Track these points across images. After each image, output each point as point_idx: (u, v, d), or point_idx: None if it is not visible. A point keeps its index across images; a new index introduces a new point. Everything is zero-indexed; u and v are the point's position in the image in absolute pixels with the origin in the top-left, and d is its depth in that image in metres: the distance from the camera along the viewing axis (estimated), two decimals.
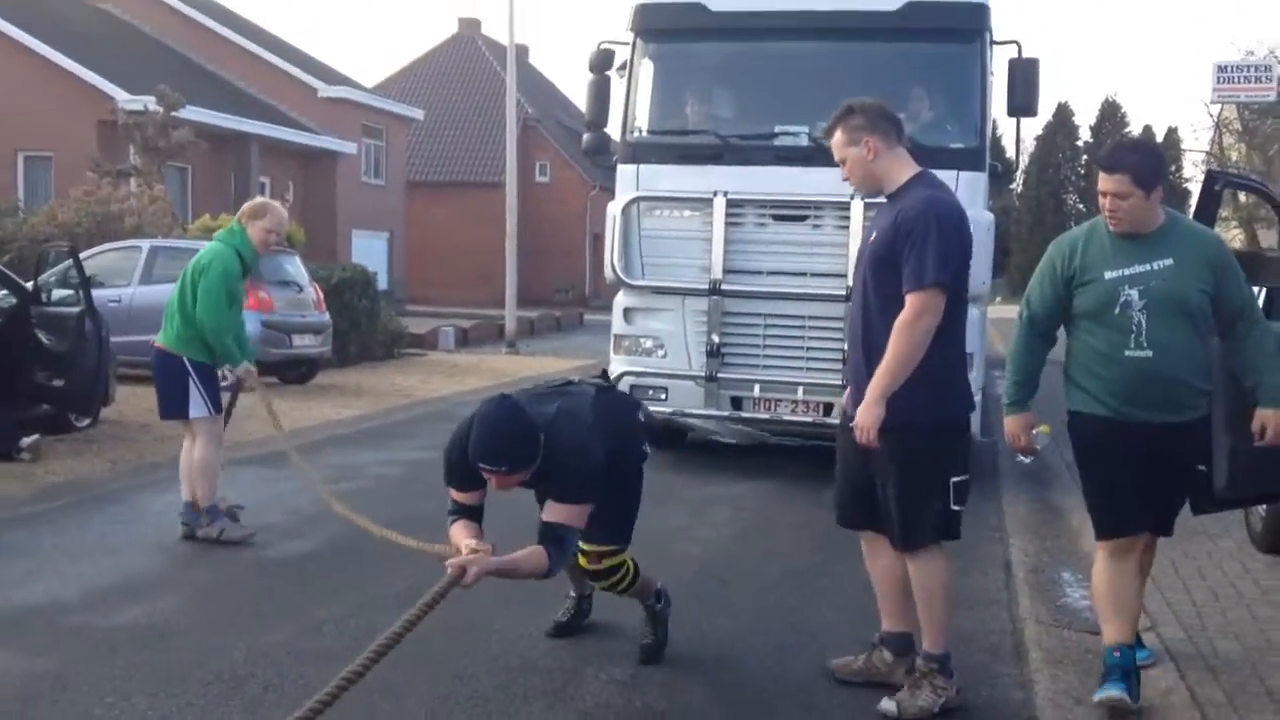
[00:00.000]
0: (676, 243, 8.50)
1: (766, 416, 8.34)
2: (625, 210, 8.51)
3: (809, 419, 8.24)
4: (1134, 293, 4.07)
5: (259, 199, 6.71)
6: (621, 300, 8.74)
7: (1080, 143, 63.56)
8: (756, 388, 8.30)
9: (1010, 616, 5.36)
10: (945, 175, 7.68)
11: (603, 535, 4.31)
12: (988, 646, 4.89)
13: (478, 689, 4.19)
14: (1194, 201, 7.08)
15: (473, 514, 4.15)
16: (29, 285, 9.17)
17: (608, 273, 8.73)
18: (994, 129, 9.12)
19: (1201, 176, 6.65)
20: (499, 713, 3.99)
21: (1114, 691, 4.01)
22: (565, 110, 44.48)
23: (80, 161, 20.21)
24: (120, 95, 21.89)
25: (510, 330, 21.10)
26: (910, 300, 3.95)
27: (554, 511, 4.00)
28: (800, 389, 8.22)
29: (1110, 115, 62.33)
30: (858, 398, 4.08)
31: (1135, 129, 60.38)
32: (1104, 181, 4.12)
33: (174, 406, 6.34)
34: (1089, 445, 4.22)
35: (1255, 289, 7.18)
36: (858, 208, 7.83)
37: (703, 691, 4.28)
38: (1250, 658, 4.66)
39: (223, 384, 6.50)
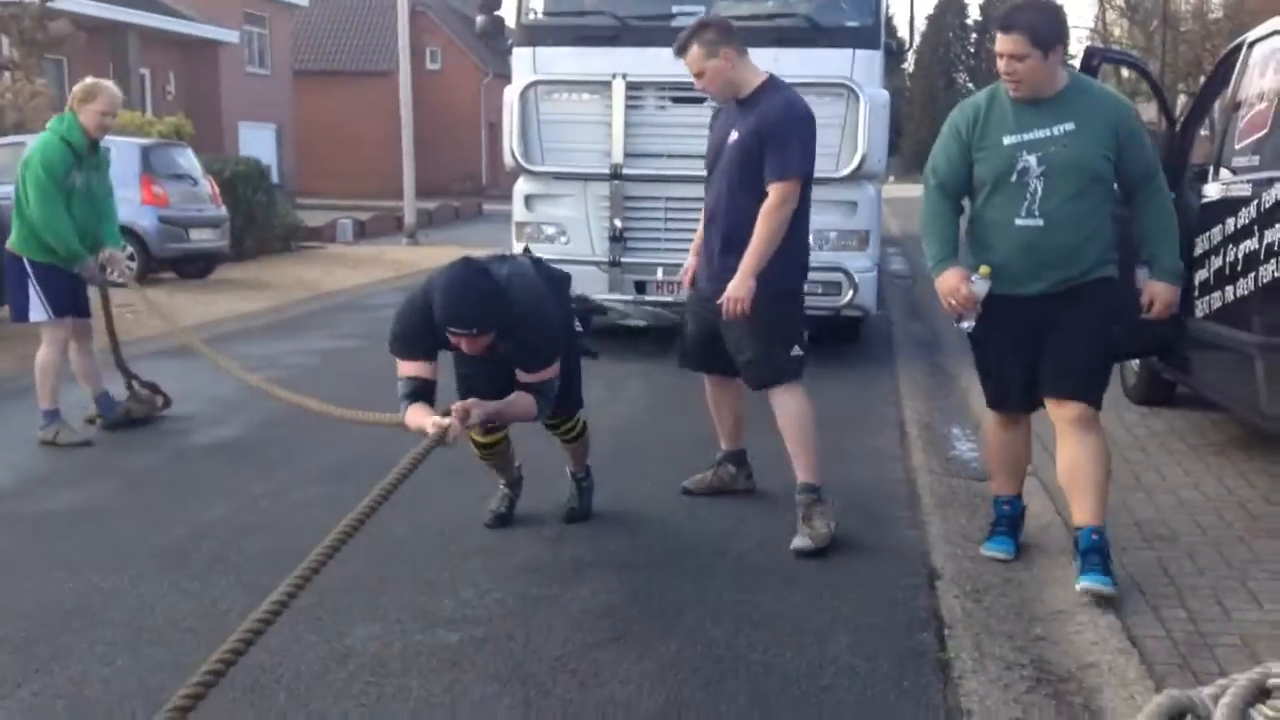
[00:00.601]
0: (576, 127, 8.44)
1: (670, 299, 8.31)
2: (523, 95, 8.41)
3: None
4: (1032, 159, 3.99)
5: (89, 80, 6.31)
6: (522, 187, 8.69)
7: (970, 21, 64.20)
8: (660, 270, 8.35)
9: (904, 468, 5.76)
10: (841, 54, 8.06)
11: (562, 410, 4.51)
12: (883, 495, 5.28)
13: (415, 550, 4.44)
14: None
15: (426, 392, 4.08)
16: None
17: (507, 159, 8.68)
18: (887, 7, 9.03)
19: (1082, 53, 6.91)
20: (437, 568, 4.24)
21: (994, 550, 4.42)
22: None
23: None
24: None
25: (409, 222, 21.01)
26: (775, 189, 4.49)
27: (527, 376, 4.12)
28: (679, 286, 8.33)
29: None
30: (713, 272, 4.72)
31: None
32: (1000, 42, 4.00)
33: (19, 310, 6.17)
34: (979, 319, 4.17)
35: None
36: None
37: (623, 543, 4.59)
38: (1121, 496, 5.12)
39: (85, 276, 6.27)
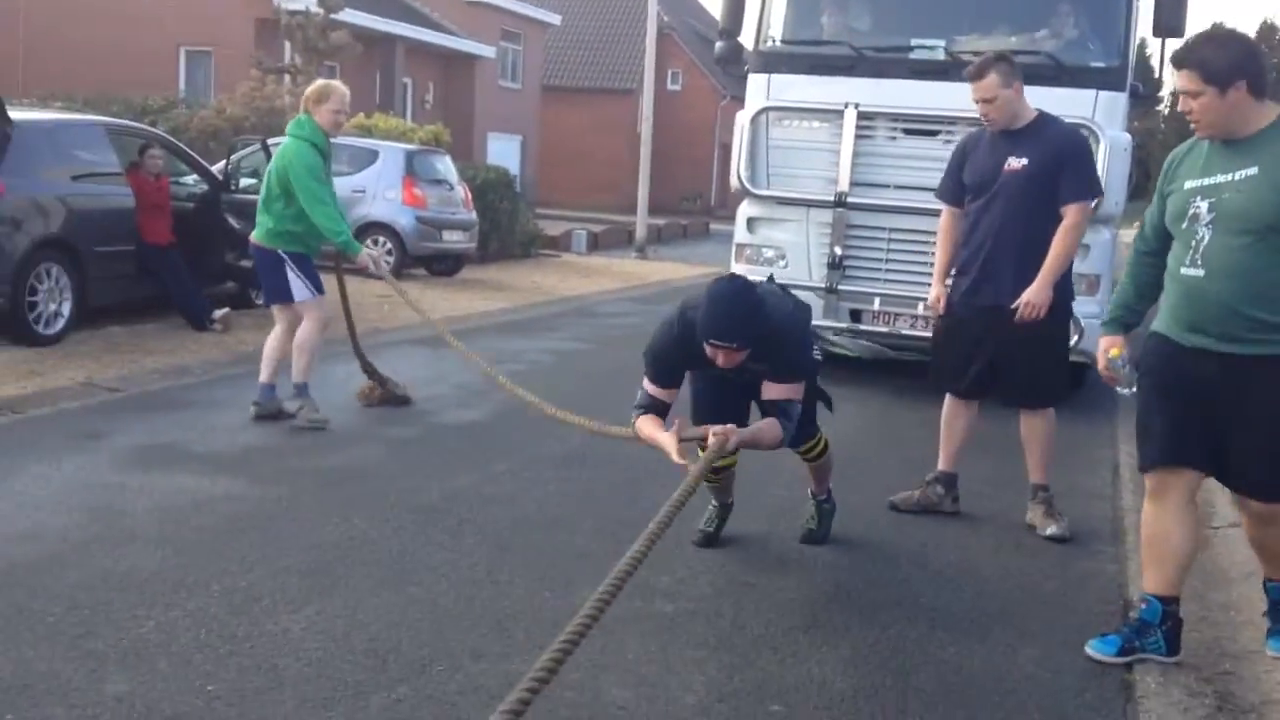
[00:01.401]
0: (804, 154, 8.50)
1: (885, 330, 8.35)
2: (754, 120, 8.52)
3: (927, 334, 8.05)
4: (1204, 204, 3.69)
5: (319, 81, 6.69)
6: (745, 209, 8.78)
7: None
8: (876, 301, 8.35)
9: (1112, 507, 5.86)
10: (1084, 94, 7.99)
11: (804, 436, 4.62)
12: (1090, 530, 5.41)
13: (637, 531, 4.86)
14: None
15: (660, 410, 4.22)
16: (219, 174, 10.07)
17: (733, 182, 8.79)
18: (1143, 48, 8.99)
19: None
20: (657, 550, 4.64)
21: (1096, 652, 3.87)
22: (699, 18, 44.44)
23: (238, 58, 21.25)
24: None
25: (640, 236, 21.74)
26: (1075, 210, 5.12)
27: (775, 390, 4.20)
28: (921, 304, 8.11)
29: (1268, 37, 59.54)
30: (1001, 288, 5.16)
31: None
32: (1177, 79, 3.73)
33: (276, 293, 6.51)
34: (1146, 364, 3.90)
35: None
36: None
37: (828, 546, 4.89)
38: None
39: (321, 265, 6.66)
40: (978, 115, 7.97)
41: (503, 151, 31.65)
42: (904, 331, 8.33)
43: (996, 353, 5.24)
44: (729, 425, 4.03)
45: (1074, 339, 7.67)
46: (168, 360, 8.11)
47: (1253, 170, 3.60)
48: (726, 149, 40.72)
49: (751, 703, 3.39)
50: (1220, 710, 3.52)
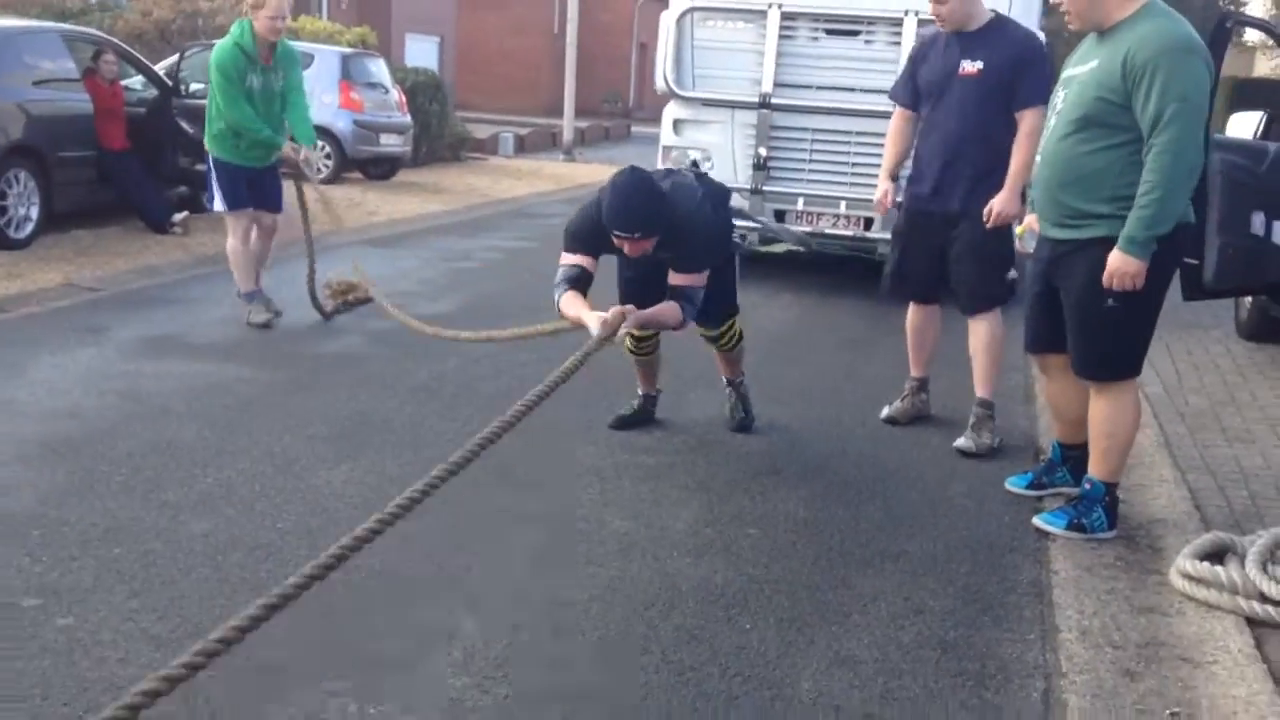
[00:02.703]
0: (728, 55, 8.57)
1: (809, 229, 8.41)
2: (679, 21, 8.60)
3: (850, 233, 8.46)
4: (1060, 94, 4.03)
5: None
6: (671, 111, 8.84)
7: None
8: (800, 201, 8.52)
9: (1024, 378, 6.61)
10: None
11: (715, 319, 4.88)
12: (1006, 391, 6.14)
13: (616, 404, 5.45)
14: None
15: (583, 281, 4.41)
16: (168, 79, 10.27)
17: (658, 83, 8.87)
18: None
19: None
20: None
21: (1013, 484, 4.60)
22: None
23: None
24: None
25: (567, 139, 22.05)
26: (1032, 114, 4.94)
27: (677, 279, 4.44)
28: (843, 203, 8.42)
29: None
30: (960, 194, 5.10)
31: None
32: None
33: (210, 200, 6.84)
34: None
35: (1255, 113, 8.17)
36: (910, 24, 8.06)
37: (778, 408, 5.55)
38: (1213, 408, 5.91)
39: (282, 172, 6.84)
40: (895, 15, 8.28)
41: (421, 53, 31.42)
42: (827, 230, 8.51)
43: (947, 257, 5.24)
44: (626, 306, 4.19)
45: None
46: (136, 262, 8.46)
47: (1093, 64, 3.88)
48: (645, 49, 40.65)
49: (733, 528, 4.05)
50: (1122, 559, 4.21)
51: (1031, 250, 4.41)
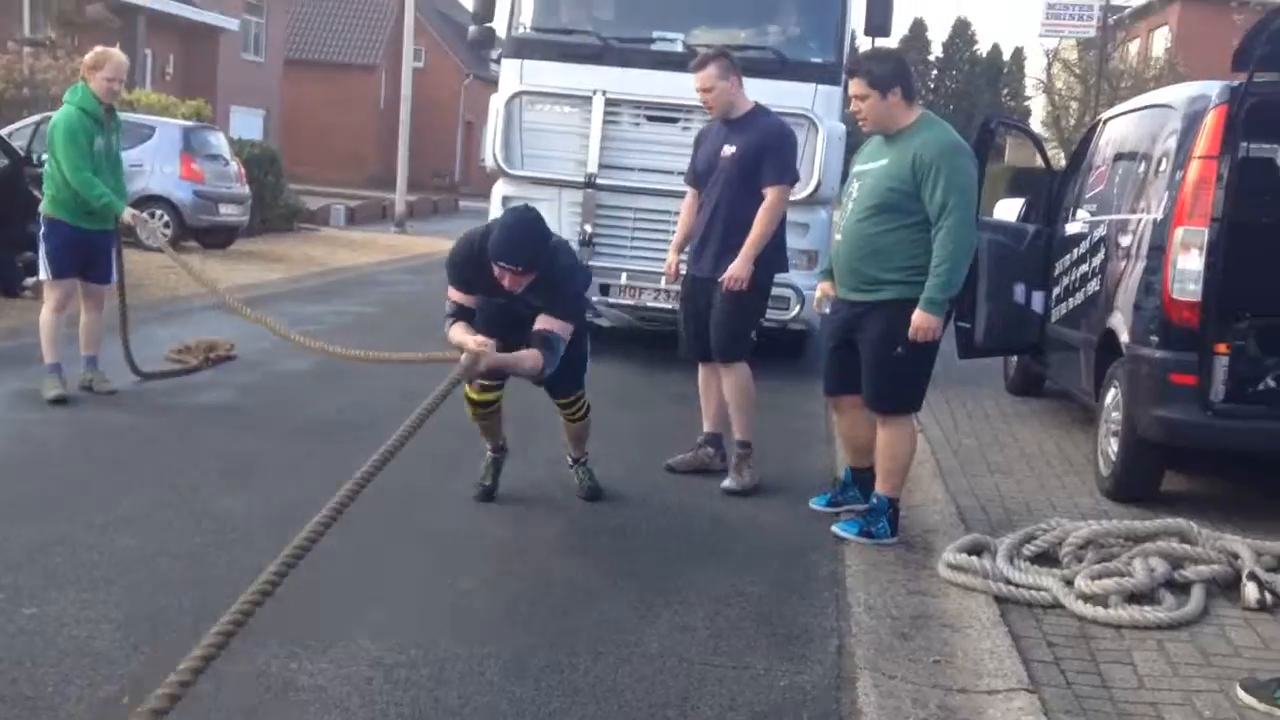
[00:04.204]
0: (556, 137, 8.89)
1: (631, 303, 8.84)
2: (508, 103, 8.88)
3: (669, 306, 8.52)
4: (855, 185, 4.98)
5: (97, 49, 6.66)
6: (501, 188, 9.01)
7: (932, 58, 66.39)
8: (624, 276, 8.84)
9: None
10: (804, 87, 8.94)
11: (574, 385, 5.16)
12: (810, 431, 7.10)
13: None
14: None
15: (467, 315, 4.68)
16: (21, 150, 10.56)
17: (488, 162, 9.10)
18: (853, 45, 9.66)
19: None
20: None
21: (815, 503, 5.47)
22: None
23: None
24: None
25: (400, 211, 22.67)
26: (773, 192, 5.70)
27: (547, 322, 4.64)
28: (664, 279, 8.59)
29: (961, 33, 65.17)
30: (707, 260, 5.78)
31: (984, 48, 63.61)
32: (851, 86, 4.92)
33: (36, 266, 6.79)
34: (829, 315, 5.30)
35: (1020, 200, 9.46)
36: None
37: (630, 459, 6.34)
38: (981, 447, 6.99)
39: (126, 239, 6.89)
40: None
41: (247, 125, 31.55)
42: (649, 304, 8.90)
43: (713, 311, 5.79)
44: (483, 348, 4.39)
45: (795, 309, 8.61)
46: None
47: (884, 161, 4.85)
48: (471, 127, 41.47)
49: (589, 536, 4.81)
50: (901, 559, 5.10)
51: (828, 312, 5.37)
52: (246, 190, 15.88)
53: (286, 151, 36.60)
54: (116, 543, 4.28)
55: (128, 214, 6.60)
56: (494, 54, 10.00)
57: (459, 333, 4.61)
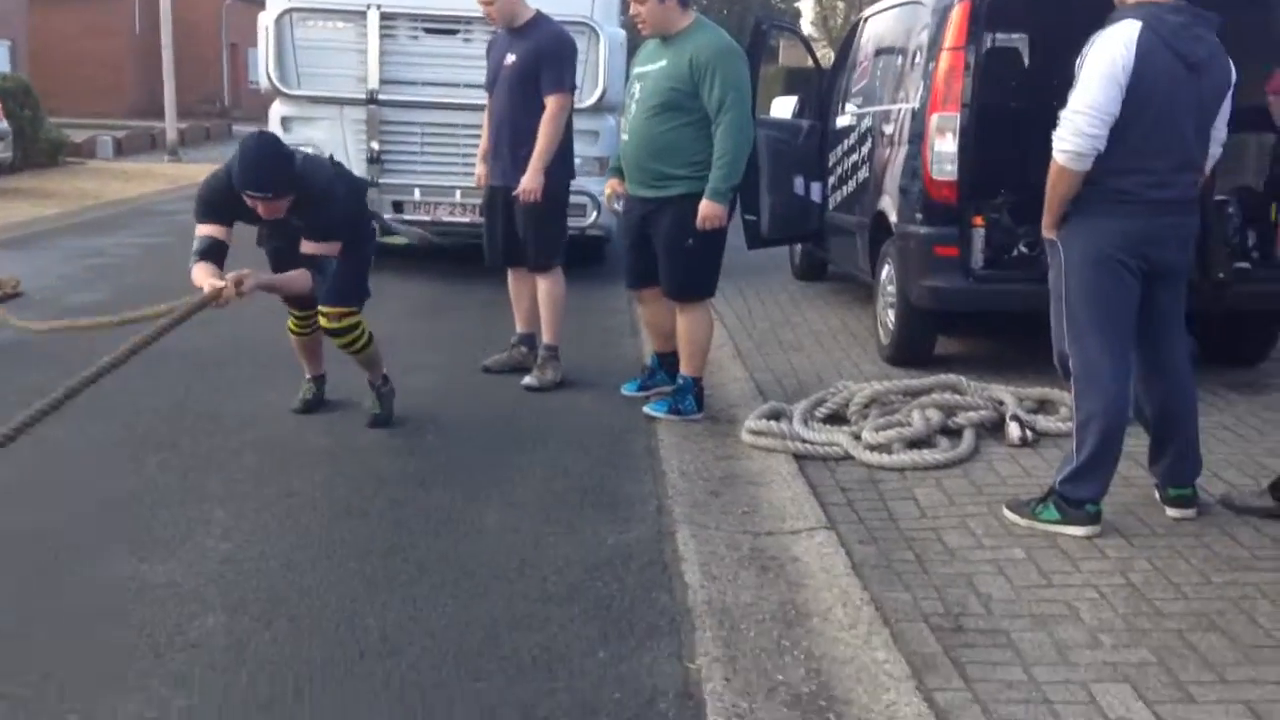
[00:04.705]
0: (332, 54, 8.74)
1: (427, 219, 8.68)
2: (278, 21, 8.68)
3: (467, 220, 8.67)
4: (637, 86, 5.24)
5: None
6: (278, 109, 8.88)
7: None
8: (416, 191, 8.85)
9: (630, 319, 7.93)
10: None
11: (340, 297, 4.89)
12: (617, 327, 7.44)
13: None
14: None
15: (217, 252, 4.47)
16: None
17: (262, 82, 9.02)
18: None
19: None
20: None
21: (627, 389, 5.80)
22: None
23: None
24: None
25: (171, 139, 21.74)
26: (552, 101, 5.77)
27: (309, 247, 4.56)
28: (458, 192, 8.76)
29: None
30: (504, 168, 5.89)
31: None
32: None
33: None
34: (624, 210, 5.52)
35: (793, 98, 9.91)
36: None
37: (446, 364, 6.54)
38: (773, 329, 7.48)
39: None
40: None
41: None
42: (444, 219, 8.86)
43: (512, 225, 5.96)
44: (244, 270, 4.27)
45: (593, 216, 8.73)
46: None
47: (662, 63, 5.12)
48: (236, 49, 39.75)
49: (415, 436, 5.04)
50: (707, 430, 5.50)
51: (619, 208, 5.63)
52: (5, 125, 15.00)
53: (38, 84, 34.39)
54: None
55: None
56: None
57: (201, 274, 4.35)
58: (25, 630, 3.18)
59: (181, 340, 5.70)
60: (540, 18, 6.01)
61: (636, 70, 5.32)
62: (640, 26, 5.22)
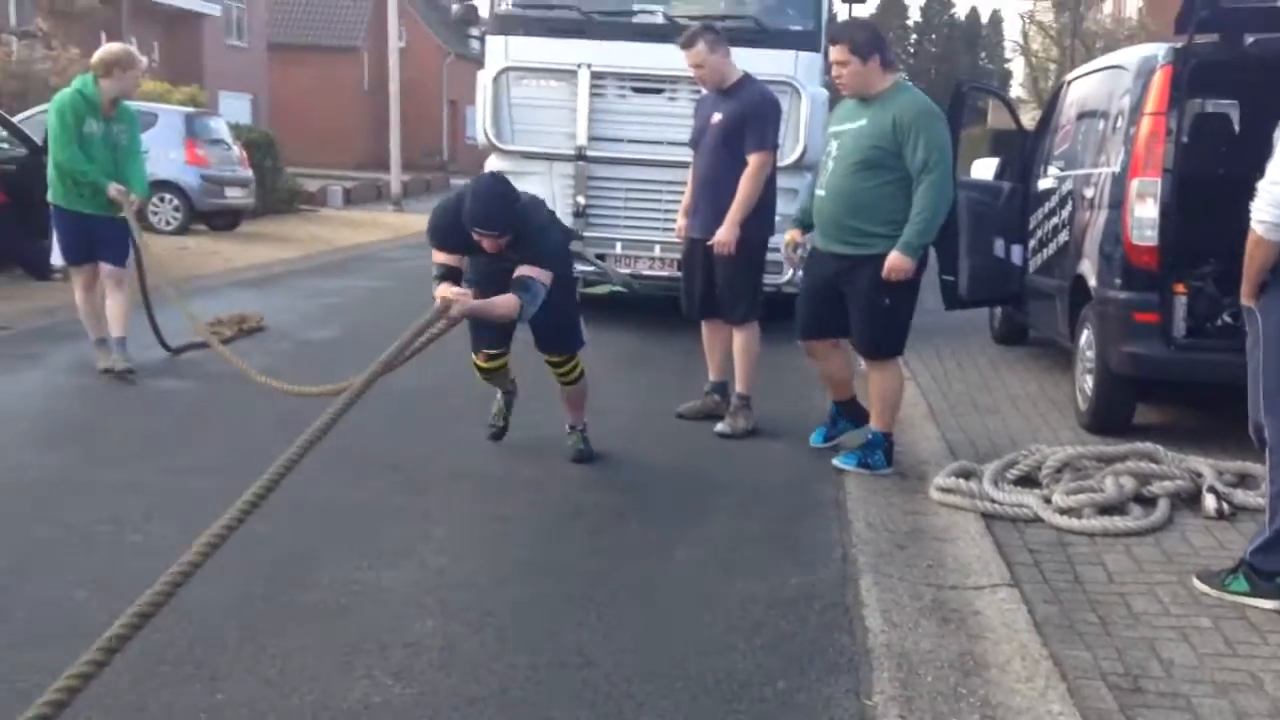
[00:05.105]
0: (544, 111, 9.08)
1: (628, 272, 9.03)
2: (496, 79, 9.07)
3: (666, 273, 8.92)
4: (834, 145, 5.33)
5: (116, 46, 6.99)
6: (493, 163, 9.05)
7: (910, 22, 66.81)
8: (618, 245, 9.11)
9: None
10: (785, 55, 9.09)
11: (563, 345, 5.31)
12: (812, 380, 7.59)
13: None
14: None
15: (454, 277, 4.92)
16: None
17: (479, 138, 9.32)
18: (831, 12, 9.83)
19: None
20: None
21: (814, 441, 5.89)
22: None
23: None
24: None
25: (395, 190, 23.09)
26: (754, 159, 6.03)
27: (524, 269, 4.81)
28: (658, 247, 9.03)
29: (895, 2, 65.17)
30: (702, 222, 6.15)
31: (961, 12, 64.03)
32: (833, 52, 5.31)
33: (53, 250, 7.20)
34: (806, 264, 5.70)
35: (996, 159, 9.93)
36: None
37: (649, 404, 6.85)
38: (969, 391, 7.51)
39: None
40: (694, 76, 8.74)
41: (235, 110, 31.78)
42: (644, 272, 9.11)
43: (710, 277, 6.19)
44: (458, 294, 4.66)
45: (789, 274, 8.56)
46: (32, 304, 9.23)
47: (863, 122, 5.25)
48: (455, 106, 41.59)
49: (619, 471, 5.32)
50: (896, 485, 5.61)
51: (796, 256, 5.83)
52: (250, 174, 16.30)
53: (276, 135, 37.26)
54: (196, 484, 4.78)
55: (112, 188, 6.67)
56: (478, 31, 10.09)
57: (442, 290, 4.84)
58: (267, 623, 3.58)
59: (402, 379, 6.22)
60: (747, 79, 6.24)
61: (833, 129, 5.47)
62: (841, 87, 5.37)
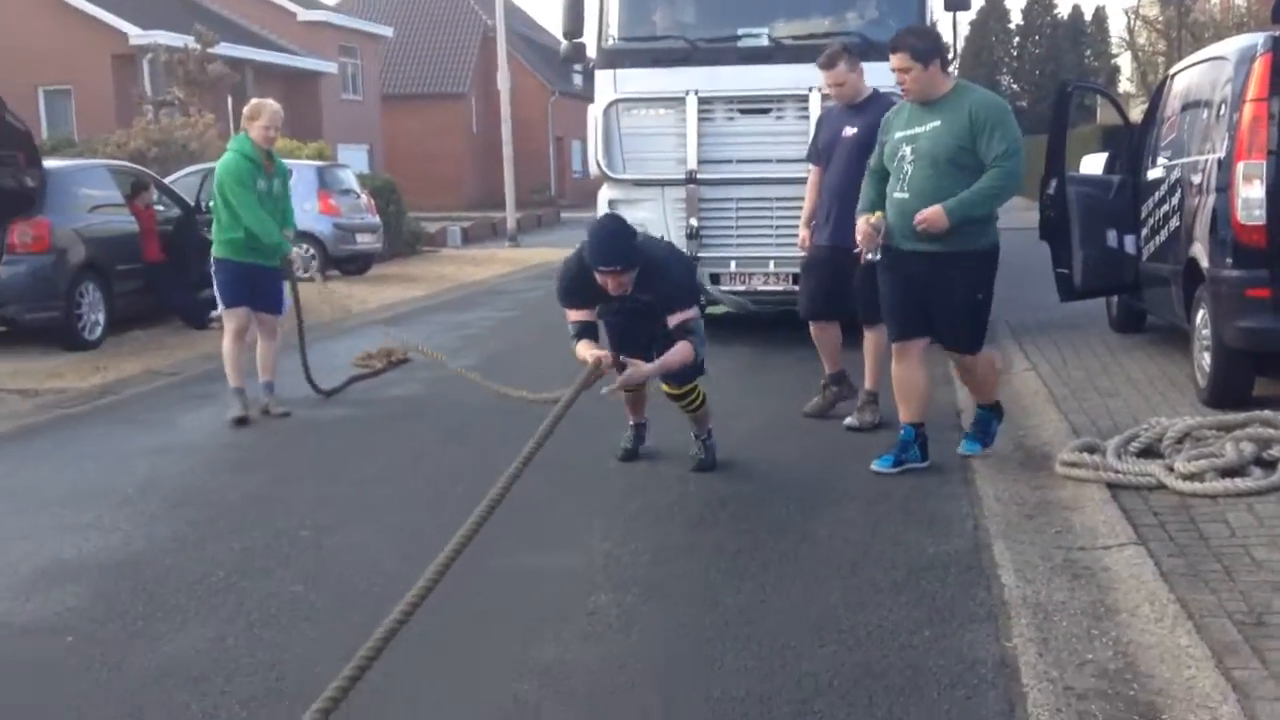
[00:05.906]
0: (654, 139, 9.33)
1: (743, 289, 9.27)
2: (606, 112, 9.31)
3: (779, 288, 9.11)
4: (908, 149, 5.35)
5: (254, 100, 7.25)
6: (606, 193, 9.43)
7: (1012, 25, 65.95)
8: (732, 264, 9.28)
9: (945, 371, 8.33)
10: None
11: (683, 374, 5.37)
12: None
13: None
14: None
15: (591, 332, 5.18)
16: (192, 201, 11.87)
17: (592, 169, 9.87)
18: (932, 19, 9.74)
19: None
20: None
21: (879, 467, 5.54)
22: (518, 17, 46.36)
23: (98, 94, 22.52)
24: (131, 30, 24.27)
25: (511, 227, 23.88)
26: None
27: (675, 318, 5.08)
28: (771, 263, 9.19)
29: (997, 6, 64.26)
30: (835, 233, 6.40)
31: (1064, 11, 63.08)
32: (893, 60, 5.33)
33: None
34: (881, 268, 5.52)
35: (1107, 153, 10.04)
36: (815, 99, 8.78)
37: (770, 420, 7.22)
38: (1089, 377, 7.70)
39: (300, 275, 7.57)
40: (801, 93, 9.02)
41: (353, 160, 32.93)
42: (759, 288, 9.31)
43: (835, 283, 6.44)
44: (638, 362, 4.97)
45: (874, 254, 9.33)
46: (196, 351, 9.96)
47: (937, 123, 5.31)
48: (561, 142, 42.48)
49: (751, 484, 5.71)
50: (1022, 465, 5.88)
51: (871, 255, 5.60)
52: (378, 220, 17.13)
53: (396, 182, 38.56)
54: (375, 493, 5.32)
55: (293, 252, 7.25)
56: (585, 67, 10.50)
57: (583, 349, 5.13)
58: (462, 592, 3.97)
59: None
60: (878, 94, 6.56)
61: (900, 134, 5.43)
62: (905, 93, 5.46)
